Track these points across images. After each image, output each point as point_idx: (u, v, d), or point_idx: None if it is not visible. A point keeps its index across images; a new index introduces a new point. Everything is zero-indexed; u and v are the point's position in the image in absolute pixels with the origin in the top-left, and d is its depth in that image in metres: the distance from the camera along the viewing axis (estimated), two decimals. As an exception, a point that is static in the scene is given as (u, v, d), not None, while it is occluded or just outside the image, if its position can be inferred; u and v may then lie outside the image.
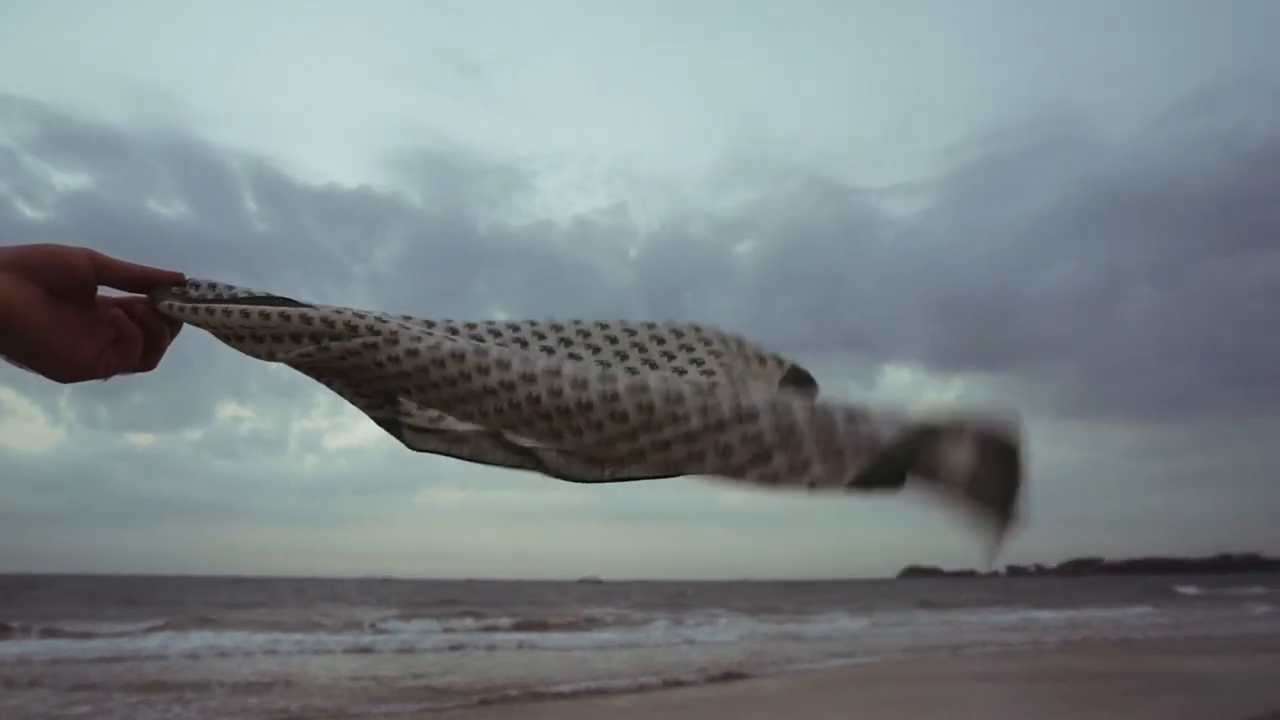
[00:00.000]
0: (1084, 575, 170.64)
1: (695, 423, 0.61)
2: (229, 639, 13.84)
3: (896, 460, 0.57)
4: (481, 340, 0.71)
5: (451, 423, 0.75)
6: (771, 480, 0.60)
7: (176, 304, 0.70)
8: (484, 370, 0.64)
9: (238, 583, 67.67)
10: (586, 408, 0.62)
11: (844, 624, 19.96)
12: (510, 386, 0.63)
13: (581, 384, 0.62)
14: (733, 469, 0.61)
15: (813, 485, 0.59)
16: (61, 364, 0.67)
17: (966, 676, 10.28)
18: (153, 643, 13.23)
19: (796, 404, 0.61)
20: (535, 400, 0.63)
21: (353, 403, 0.73)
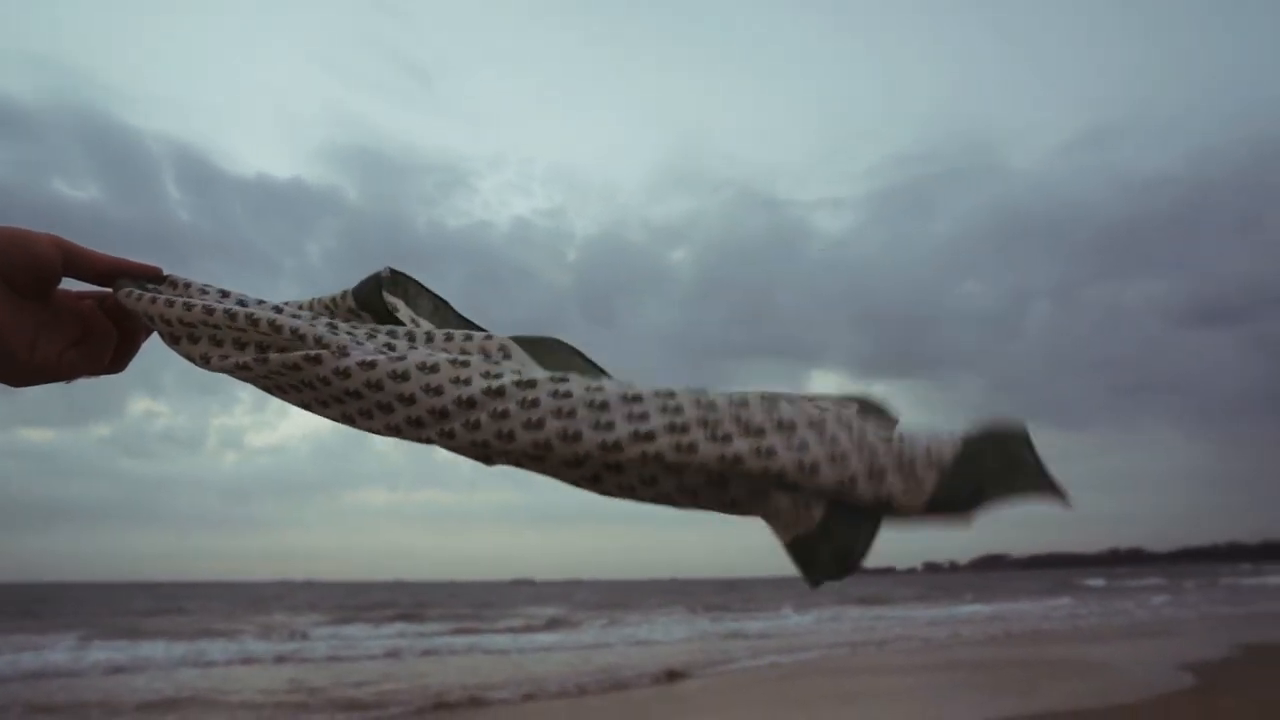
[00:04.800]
0: (994, 570, 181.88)
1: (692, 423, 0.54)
2: (145, 650, 13.14)
3: (971, 474, 0.51)
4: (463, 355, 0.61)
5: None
6: (850, 485, 0.51)
7: (135, 292, 0.63)
8: (464, 381, 0.56)
9: (151, 589, 64.50)
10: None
11: (781, 621, 20.33)
12: (499, 393, 0.55)
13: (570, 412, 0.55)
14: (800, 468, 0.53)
15: (890, 500, 0.51)
16: (18, 365, 0.59)
17: (897, 669, 10.67)
18: (59, 657, 12.43)
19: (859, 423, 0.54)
20: (540, 418, 0.55)
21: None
